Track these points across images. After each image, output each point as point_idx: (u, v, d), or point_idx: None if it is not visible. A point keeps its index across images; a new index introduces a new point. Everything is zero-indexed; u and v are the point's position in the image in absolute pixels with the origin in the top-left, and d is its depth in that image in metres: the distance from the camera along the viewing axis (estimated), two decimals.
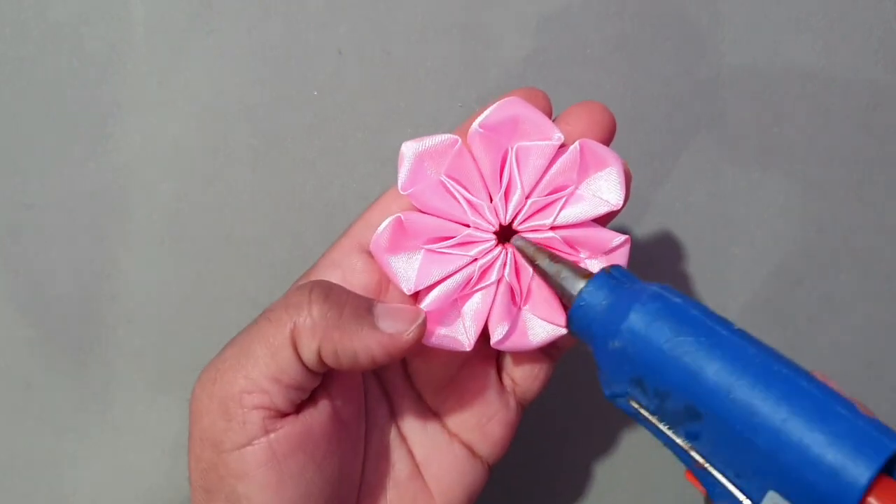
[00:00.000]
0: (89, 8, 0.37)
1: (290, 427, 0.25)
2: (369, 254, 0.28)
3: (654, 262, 0.41)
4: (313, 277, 0.29)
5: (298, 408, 0.26)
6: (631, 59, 0.40)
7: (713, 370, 0.23)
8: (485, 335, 0.29)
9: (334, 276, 0.28)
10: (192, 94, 0.37)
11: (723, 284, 0.41)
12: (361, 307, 0.26)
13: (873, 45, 0.41)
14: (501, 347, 0.29)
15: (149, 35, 0.37)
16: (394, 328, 0.26)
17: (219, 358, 0.26)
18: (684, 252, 0.41)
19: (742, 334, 0.23)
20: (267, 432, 0.25)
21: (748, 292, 0.41)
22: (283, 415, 0.25)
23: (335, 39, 0.38)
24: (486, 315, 0.28)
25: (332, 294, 0.26)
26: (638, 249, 0.34)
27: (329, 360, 0.25)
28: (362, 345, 0.25)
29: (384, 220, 0.27)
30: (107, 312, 0.38)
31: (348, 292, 0.26)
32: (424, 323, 0.26)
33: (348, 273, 0.28)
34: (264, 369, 0.25)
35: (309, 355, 0.25)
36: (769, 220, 0.41)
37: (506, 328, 0.28)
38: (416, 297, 0.28)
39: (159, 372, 0.38)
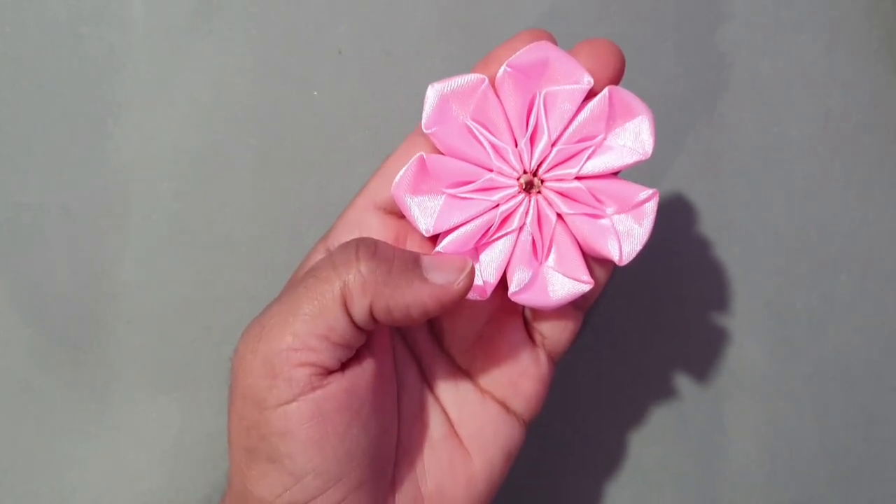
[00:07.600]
0: (89, 8, 0.37)
1: (337, 384, 0.25)
2: (384, 211, 0.28)
3: (654, 262, 0.41)
4: (331, 240, 0.29)
5: (344, 366, 0.26)
6: (630, 59, 0.40)
7: None
8: (505, 287, 0.28)
9: (350, 237, 0.28)
10: (192, 94, 0.37)
11: (723, 284, 0.41)
12: (409, 261, 0.26)
13: (873, 45, 0.41)
14: (519, 300, 0.28)
15: (149, 35, 0.37)
16: (444, 279, 0.26)
17: (264, 315, 0.26)
18: (684, 252, 0.41)
19: None
20: (313, 389, 0.24)
21: (748, 292, 0.41)
22: (330, 372, 0.25)
23: (335, 39, 0.38)
24: (506, 265, 0.28)
25: (378, 250, 0.26)
26: None
27: (381, 317, 0.25)
28: (414, 298, 0.25)
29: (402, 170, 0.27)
30: (107, 312, 0.38)
31: (394, 247, 0.26)
32: (473, 271, 0.26)
33: (364, 232, 0.28)
34: (312, 327, 0.25)
35: (360, 313, 0.25)
36: (769, 219, 0.41)
37: (525, 278, 0.27)
38: (434, 241, 0.28)
39: (159, 372, 0.38)
